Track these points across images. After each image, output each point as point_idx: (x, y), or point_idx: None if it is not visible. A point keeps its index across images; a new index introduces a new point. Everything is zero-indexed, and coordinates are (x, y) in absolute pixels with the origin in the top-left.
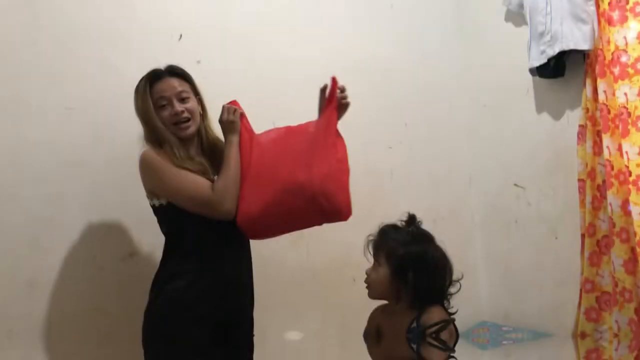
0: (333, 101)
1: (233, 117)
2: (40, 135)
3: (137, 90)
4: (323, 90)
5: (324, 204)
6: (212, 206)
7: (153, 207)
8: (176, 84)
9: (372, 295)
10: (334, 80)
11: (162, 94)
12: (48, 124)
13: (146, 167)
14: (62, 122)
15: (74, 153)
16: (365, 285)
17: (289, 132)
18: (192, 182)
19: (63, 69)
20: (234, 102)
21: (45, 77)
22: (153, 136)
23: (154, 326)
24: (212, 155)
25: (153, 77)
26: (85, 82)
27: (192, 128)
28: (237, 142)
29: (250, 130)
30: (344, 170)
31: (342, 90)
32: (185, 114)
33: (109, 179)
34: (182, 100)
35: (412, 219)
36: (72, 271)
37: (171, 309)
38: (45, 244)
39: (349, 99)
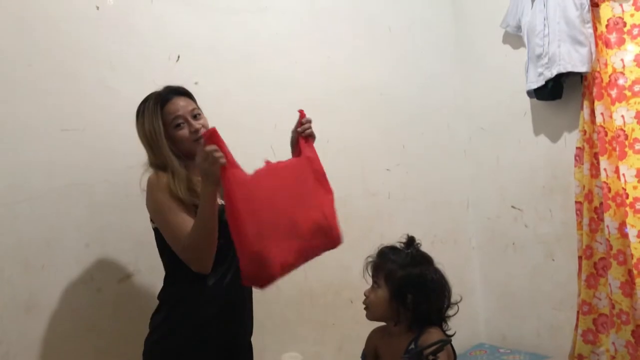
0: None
1: (211, 167)
2: (36, 157)
3: (144, 113)
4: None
5: (334, 237)
6: (185, 260)
7: (155, 230)
8: (186, 102)
9: (371, 316)
10: (301, 113)
11: (176, 114)
12: (44, 145)
13: (149, 192)
14: (59, 143)
15: (70, 174)
16: (364, 306)
17: (283, 171)
18: (176, 225)
19: (60, 90)
20: (212, 133)
21: (42, 98)
22: (158, 161)
23: (156, 351)
24: None
25: (162, 99)
26: (83, 103)
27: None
28: (210, 195)
29: (239, 171)
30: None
31: (306, 122)
32: (203, 130)
33: (106, 200)
34: (195, 117)
35: (411, 241)
36: (70, 293)
37: (173, 334)
38: (42, 265)
39: (311, 129)
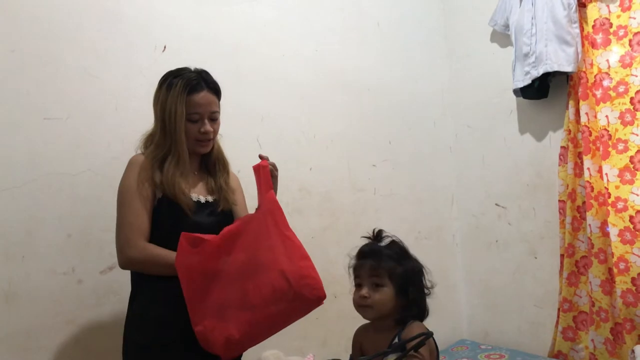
0: (270, 185)
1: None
2: (18, 145)
3: (169, 89)
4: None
5: (306, 299)
6: (117, 248)
7: None
8: (212, 101)
9: (374, 315)
10: (264, 163)
11: (197, 110)
12: (26, 133)
13: (125, 171)
14: (41, 132)
15: (53, 164)
16: (363, 306)
17: (238, 237)
18: (128, 213)
19: (43, 78)
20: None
21: (25, 85)
22: (166, 142)
23: (131, 336)
24: (212, 172)
25: (192, 87)
26: (66, 91)
27: (209, 146)
28: None
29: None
30: (307, 256)
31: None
32: (211, 135)
33: (89, 190)
34: (212, 119)
35: (379, 233)
36: (50, 284)
37: (153, 321)
38: (22, 256)
39: (276, 172)
